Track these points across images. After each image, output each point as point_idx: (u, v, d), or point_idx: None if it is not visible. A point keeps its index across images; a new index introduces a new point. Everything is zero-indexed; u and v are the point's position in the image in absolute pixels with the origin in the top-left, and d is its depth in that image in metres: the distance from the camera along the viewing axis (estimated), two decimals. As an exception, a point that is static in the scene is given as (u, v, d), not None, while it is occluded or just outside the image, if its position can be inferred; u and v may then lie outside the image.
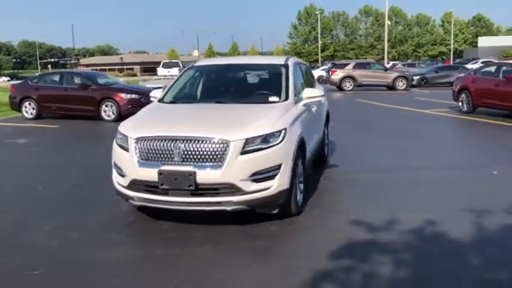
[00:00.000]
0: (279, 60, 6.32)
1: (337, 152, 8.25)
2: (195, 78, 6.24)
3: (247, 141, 4.36)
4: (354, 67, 27.84)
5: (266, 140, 4.45)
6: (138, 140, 4.50)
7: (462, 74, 17.01)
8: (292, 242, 4.46)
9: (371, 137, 10.38)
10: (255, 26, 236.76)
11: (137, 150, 4.49)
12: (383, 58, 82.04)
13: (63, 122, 14.03)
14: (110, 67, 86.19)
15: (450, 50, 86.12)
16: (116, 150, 4.81)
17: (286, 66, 5.95)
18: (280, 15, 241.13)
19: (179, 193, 4.36)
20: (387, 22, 43.29)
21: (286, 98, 5.39)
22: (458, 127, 12.47)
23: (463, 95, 14.41)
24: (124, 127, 4.86)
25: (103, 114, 13.91)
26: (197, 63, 6.42)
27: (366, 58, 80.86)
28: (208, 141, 4.33)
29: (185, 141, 4.34)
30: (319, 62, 72.31)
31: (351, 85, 27.40)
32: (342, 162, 7.56)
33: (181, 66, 41.20)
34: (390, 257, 3.92)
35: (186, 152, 4.33)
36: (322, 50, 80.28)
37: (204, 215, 4.75)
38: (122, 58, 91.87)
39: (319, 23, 77.60)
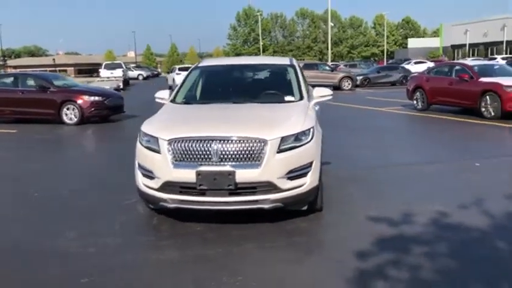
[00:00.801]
0: (284, 60, 6.49)
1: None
2: (204, 78, 6.22)
3: (283, 140, 4.45)
4: (303, 68, 28.41)
5: (298, 138, 4.56)
6: (171, 141, 4.45)
7: (415, 74, 17.99)
8: (328, 237, 4.59)
9: (346, 134, 10.74)
10: (193, 27, 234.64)
11: (171, 152, 4.45)
12: (320, 59, 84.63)
13: (20, 126, 13.36)
14: (42, 69, 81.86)
15: (382, 52, 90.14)
16: (143, 152, 4.72)
17: (293, 66, 6.12)
18: (218, 17, 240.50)
19: (217, 193, 4.37)
20: (330, 24, 44.59)
21: (301, 98, 5.56)
22: (422, 124, 13.07)
23: (418, 94, 15.25)
24: (150, 128, 4.77)
25: (64, 117, 13.35)
26: (202, 64, 6.39)
27: (303, 59, 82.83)
28: (246, 141, 4.37)
29: (223, 141, 4.36)
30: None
31: (300, 85, 28.03)
32: (332, 159, 7.77)
33: (124, 67, 40.24)
34: (427, 248, 4.12)
35: (224, 152, 4.34)
36: (262, 51, 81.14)
37: (227, 214, 4.78)
38: (54, 59, 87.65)
39: (259, 24, 78.32)
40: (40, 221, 5.11)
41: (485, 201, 5.32)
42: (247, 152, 4.36)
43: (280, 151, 4.42)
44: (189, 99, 5.68)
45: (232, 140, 4.36)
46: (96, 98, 13.55)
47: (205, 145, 4.37)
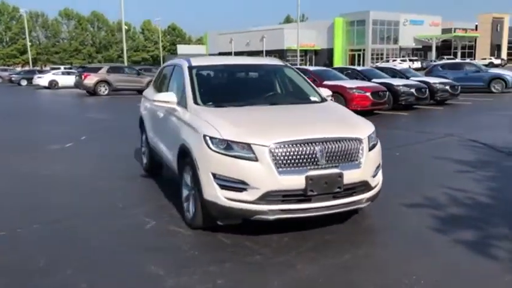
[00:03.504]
0: (274, 61, 6.38)
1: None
2: (211, 80, 5.64)
3: (369, 138, 4.49)
4: (108, 71, 26.99)
5: (372, 137, 4.62)
6: (274, 146, 4.00)
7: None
8: (402, 230, 4.66)
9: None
10: None
11: (274, 158, 3.99)
12: (89, 62, 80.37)
13: None
14: None
15: (152, 57, 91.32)
16: (225, 160, 4.06)
17: (289, 66, 6.09)
18: None
19: (323, 198, 4.12)
20: (124, 27, 42.83)
21: (322, 97, 5.58)
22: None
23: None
24: (229, 134, 4.11)
25: None
26: (196, 64, 5.60)
27: (71, 63, 77.66)
28: (347, 140, 4.25)
29: (326, 143, 4.14)
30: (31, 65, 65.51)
31: (106, 89, 26.47)
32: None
33: None
34: (490, 222, 4.73)
35: (330, 154, 4.14)
36: (24, 52, 72.50)
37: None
38: None
39: (25, 23, 68.92)
40: (98, 270, 3.87)
41: (467, 179, 6.31)
42: (348, 152, 4.25)
43: (369, 149, 4.45)
44: (216, 102, 5.00)
45: (335, 141, 4.19)
46: None
47: (310, 148, 4.08)
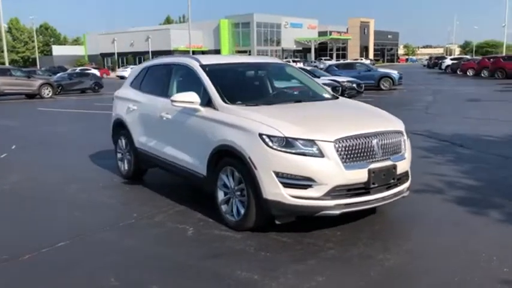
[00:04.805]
0: (274, 59, 6.37)
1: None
2: (230, 78, 5.39)
3: (404, 131, 4.74)
4: (-10, 73, 24.26)
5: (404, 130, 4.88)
6: (338, 141, 4.04)
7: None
8: (431, 215, 4.91)
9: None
10: None
11: (339, 153, 4.03)
12: None
13: None
14: None
15: (23, 58, 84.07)
16: (288, 158, 3.99)
17: (289, 65, 6.17)
18: None
19: (379, 189, 4.26)
20: (3, 25, 38.55)
21: (331, 94, 5.73)
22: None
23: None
24: (289, 131, 4.05)
25: None
26: (207, 62, 5.32)
27: None
28: (394, 133, 4.46)
29: (380, 136, 4.29)
30: None
31: (-9, 94, 23.79)
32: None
33: None
34: (495, 201, 5.25)
35: (384, 147, 4.30)
36: None
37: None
38: None
39: None
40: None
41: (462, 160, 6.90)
42: (396, 144, 4.46)
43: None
44: (243, 100, 4.82)
45: (386, 134, 4.37)
46: None
47: (368, 141, 4.21)
